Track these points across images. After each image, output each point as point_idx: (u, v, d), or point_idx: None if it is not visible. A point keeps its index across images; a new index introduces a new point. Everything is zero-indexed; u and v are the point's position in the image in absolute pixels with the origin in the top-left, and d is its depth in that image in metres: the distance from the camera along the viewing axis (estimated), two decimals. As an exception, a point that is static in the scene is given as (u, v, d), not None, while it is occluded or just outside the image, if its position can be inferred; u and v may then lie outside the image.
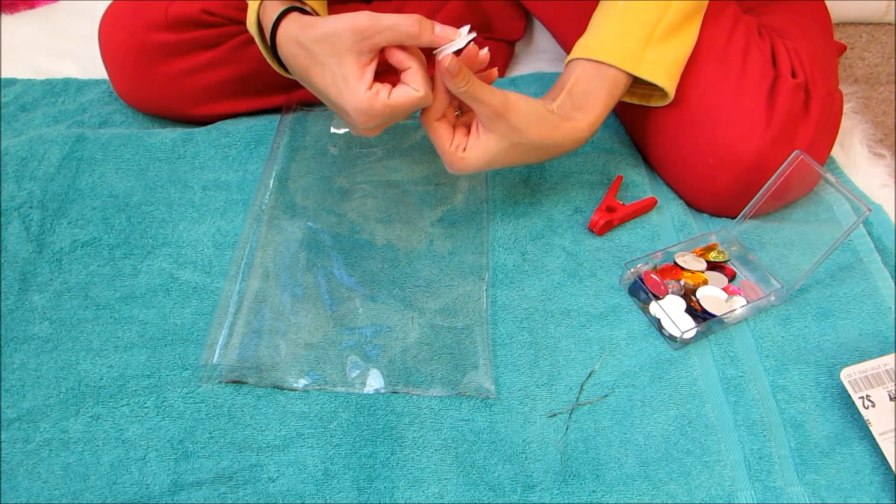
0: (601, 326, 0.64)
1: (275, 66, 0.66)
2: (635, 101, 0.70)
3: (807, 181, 0.71)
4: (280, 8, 0.59)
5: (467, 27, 0.54)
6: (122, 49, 0.78)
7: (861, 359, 0.60)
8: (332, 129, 0.80)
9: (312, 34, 0.56)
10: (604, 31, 0.65)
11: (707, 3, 0.67)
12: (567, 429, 0.58)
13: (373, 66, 0.56)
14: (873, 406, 0.56)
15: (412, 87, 0.56)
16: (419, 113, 0.60)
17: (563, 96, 0.63)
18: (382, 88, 0.56)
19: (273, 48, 0.61)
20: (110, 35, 0.79)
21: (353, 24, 0.54)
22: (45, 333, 0.63)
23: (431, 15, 0.85)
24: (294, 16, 0.59)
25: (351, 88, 0.55)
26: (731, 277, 0.68)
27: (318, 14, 0.61)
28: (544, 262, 0.69)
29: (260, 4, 0.61)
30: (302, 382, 0.60)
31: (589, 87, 0.63)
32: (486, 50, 0.58)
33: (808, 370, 0.61)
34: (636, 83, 0.68)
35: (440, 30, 0.53)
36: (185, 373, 0.61)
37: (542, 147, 0.62)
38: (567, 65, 0.66)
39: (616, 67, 0.63)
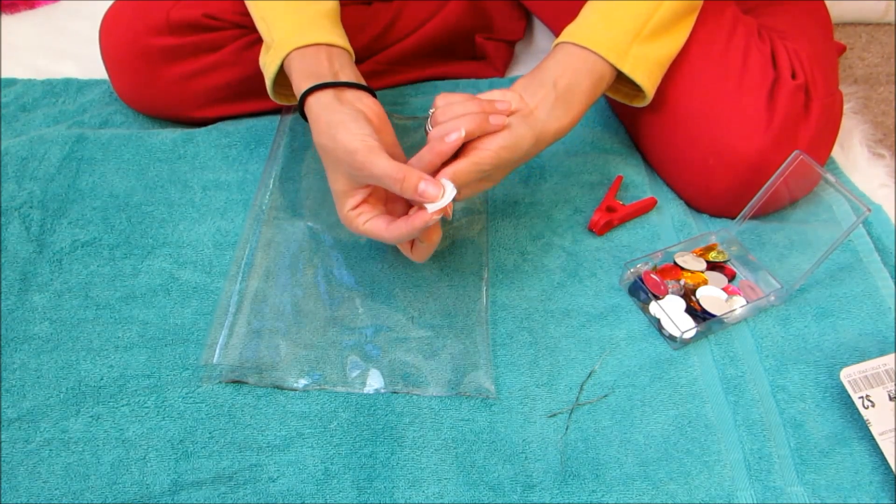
0: (601, 326, 0.64)
1: (275, 99, 0.69)
2: (619, 99, 0.70)
3: (807, 181, 0.71)
4: (307, 83, 0.61)
5: (451, 186, 0.55)
6: (123, 52, 0.78)
7: (861, 359, 0.60)
8: None
9: (322, 132, 0.59)
10: (593, 18, 0.64)
11: (700, 5, 0.67)
12: (567, 429, 0.58)
13: (362, 192, 0.59)
14: (873, 406, 0.56)
15: (382, 230, 0.58)
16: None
17: (546, 91, 0.61)
18: (364, 213, 0.59)
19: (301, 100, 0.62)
20: (111, 38, 0.78)
21: (350, 158, 0.56)
22: (46, 333, 0.63)
23: (432, 15, 0.85)
24: (314, 101, 0.60)
25: (339, 201, 0.60)
26: (731, 277, 0.68)
27: (330, 41, 0.63)
28: (544, 262, 0.69)
29: (284, 62, 0.63)
30: (302, 382, 0.60)
31: (573, 79, 0.62)
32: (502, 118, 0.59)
33: (808, 370, 0.61)
34: (621, 80, 0.68)
35: (423, 187, 0.54)
36: (185, 373, 0.61)
37: (530, 156, 0.62)
38: (554, 48, 0.64)
39: (601, 57, 0.62)
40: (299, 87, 0.61)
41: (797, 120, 0.67)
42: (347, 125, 0.57)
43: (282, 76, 0.66)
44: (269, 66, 0.65)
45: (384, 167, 0.55)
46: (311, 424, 0.58)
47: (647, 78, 0.65)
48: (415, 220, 0.55)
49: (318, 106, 0.60)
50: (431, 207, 0.55)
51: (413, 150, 0.80)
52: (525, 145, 0.59)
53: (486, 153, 0.57)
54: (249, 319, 0.63)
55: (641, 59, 0.64)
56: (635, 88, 0.68)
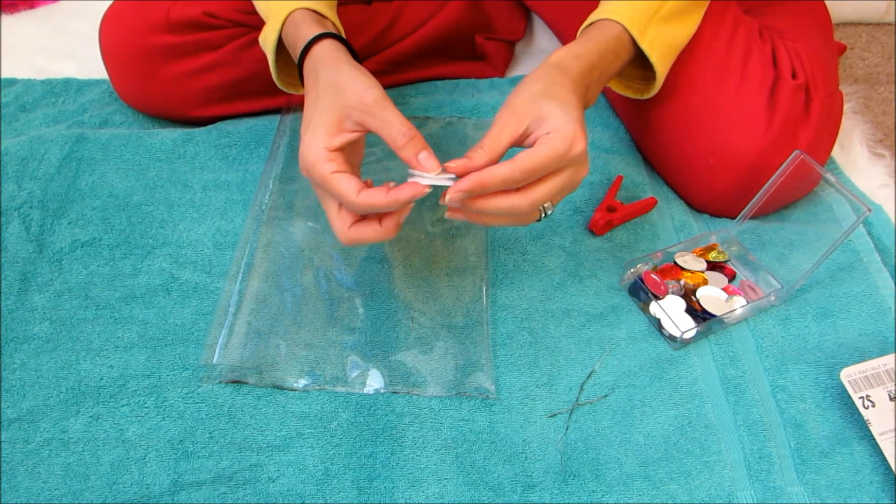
0: (601, 326, 0.64)
1: (279, 83, 0.66)
2: (624, 91, 0.69)
3: (807, 181, 0.71)
4: (316, 30, 0.58)
5: (452, 176, 0.51)
6: (123, 51, 0.78)
7: (861, 359, 0.60)
8: None
9: (329, 73, 0.55)
10: None
11: (708, 2, 0.67)
12: (567, 429, 0.58)
13: (348, 137, 0.54)
14: (873, 406, 0.56)
15: (352, 190, 0.51)
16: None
17: (595, 77, 0.59)
18: (337, 161, 0.53)
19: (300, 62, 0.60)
20: (111, 37, 0.79)
21: (364, 95, 0.52)
22: (45, 333, 0.63)
23: (432, 14, 0.85)
24: (328, 44, 0.57)
25: (314, 133, 0.53)
26: (731, 277, 0.68)
27: (333, 22, 0.61)
28: (544, 261, 0.69)
29: (287, 19, 0.60)
30: (302, 382, 0.60)
31: (591, 56, 0.59)
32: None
33: (808, 370, 0.61)
34: (630, 65, 0.66)
35: (426, 155, 0.51)
36: (185, 373, 0.61)
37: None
38: (596, 25, 0.62)
39: (622, 26, 0.60)
40: (309, 33, 0.58)
41: (797, 120, 0.67)
42: (366, 73, 0.55)
43: (283, 63, 0.65)
44: (269, 33, 0.62)
45: (397, 114, 0.52)
46: (311, 424, 0.58)
47: (661, 60, 0.63)
48: (402, 190, 0.51)
49: (333, 48, 0.57)
50: (426, 179, 0.50)
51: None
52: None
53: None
54: (249, 319, 0.63)
55: (658, 38, 0.62)
56: (642, 79, 0.67)
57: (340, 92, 0.54)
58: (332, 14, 0.62)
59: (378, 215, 0.54)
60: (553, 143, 0.51)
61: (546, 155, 0.51)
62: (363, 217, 0.54)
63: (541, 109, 0.53)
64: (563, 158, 0.51)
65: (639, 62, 0.65)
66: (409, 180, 0.51)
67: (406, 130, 0.51)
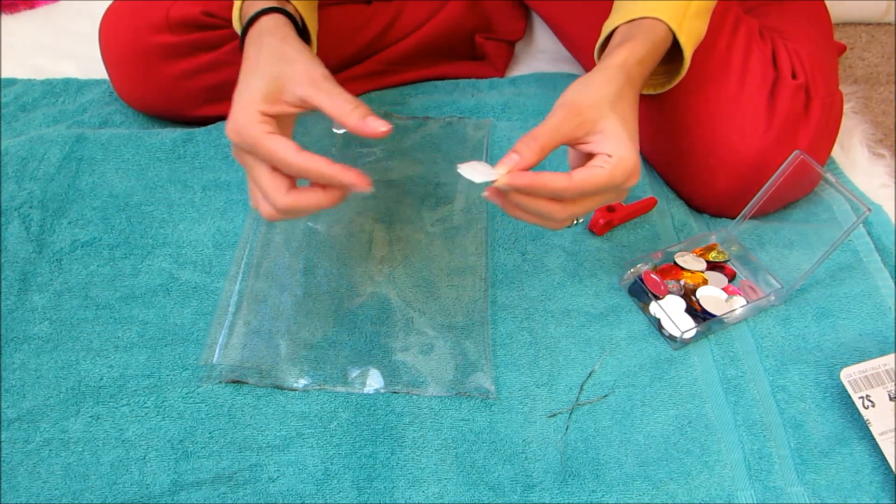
0: (601, 326, 0.64)
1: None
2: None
3: (807, 181, 0.71)
4: (263, 6, 0.56)
5: (500, 172, 0.49)
6: (122, 50, 0.78)
7: (861, 359, 0.60)
8: (333, 130, 0.80)
9: (275, 43, 0.53)
10: None
11: (714, 4, 0.67)
12: (567, 429, 0.58)
13: (285, 109, 0.52)
14: (873, 406, 0.56)
15: (291, 149, 0.49)
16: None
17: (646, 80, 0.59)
18: (271, 125, 0.51)
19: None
20: (111, 36, 0.78)
21: (308, 68, 0.51)
22: (45, 333, 0.63)
23: (432, 14, 0.85)
24: (277, 17, 0.56)
25: (250, 96, 0.51)
26: (731, 277, 0.68)
27: (302, 18, 0.60)
28: (544, 261, 0.69)
29: (242, 3, 0.58)
30: (302, 382, 0.60)
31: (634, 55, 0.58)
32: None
33: (808, 370, 0.61)
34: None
35: (370, 119, 0.49)
36: (185, 373, 0.61)
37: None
38: (644, 24, 0.59)
39: (667, 25, 0.59)
40: (262, 5, 0.56)
41: (797, 120, 0.67)
42: (312, 52, 0.53)
43: None
44: (234, 11, 0.60)
45: (342, 90, 0.50)
46: (311, 424, 0.58)
47: (691, 53, 0.62)
48: (349, 173, 0.49)
49: (282, 22, 0.55)
50: (477, 176, 0.47)
51: (412, 151, 0.80)
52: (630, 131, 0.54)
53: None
54: (249, 319, 0.63)
55: (691, 33, 0.61)
56: (663, 74, 0.67)
57: (286, 62, 0.52)
58: (302, 3, 0.60)
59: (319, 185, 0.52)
60: (613, 172, 0.51)
61: (604, 182, 0.50)
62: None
63: (605, 123, 0.52)
64: (616, 187, 0.51)
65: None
66: (458, 169, 0.49)
67: (353, 99, 0.50)
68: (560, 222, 0.53)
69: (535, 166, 0.51)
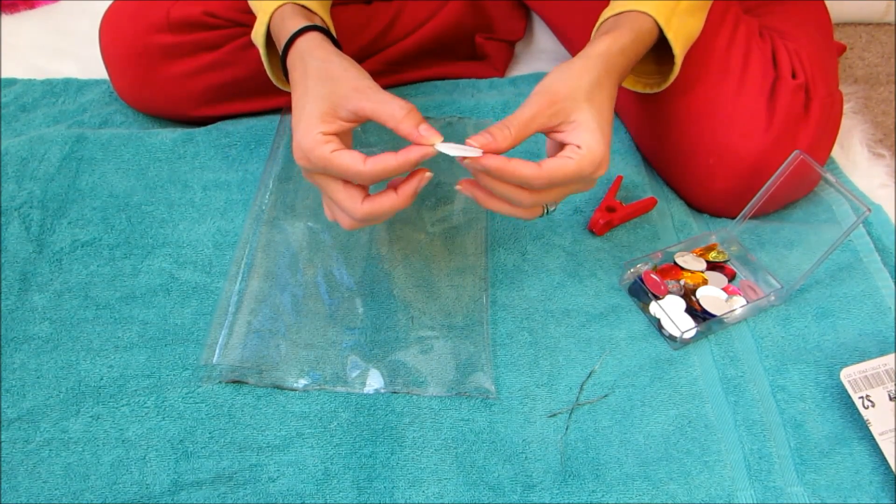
0: (601, 326, 0.64)
1: (273, 78, 0.66)
2: (631, 87, 0.69)
3: (807, 181, 0.71)
4: (302, 23, 0.58)
5: (478, 150, 0.51)
6: (123, 51, 0.78)
7: (861, 359, 0.60)
8: None
9: (318, 64, 0.55)
10: None
11: (711, 2, 0.67)
12: (567, 429, 0.58)
13: (343, 125, 0.53)
14: (873, 406, 0.56)
15: (359, 161, 0.51)
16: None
17: (627, 72, 0.59)
18: (335, 142, 0.52)
19: (284, 56, 0.59)
20: (111, 36, 0.78)
21: (355, 83, 0.53)
22: (45, 333, 0.63)
23: (431, 15, 0.85)
24: (315, 36, 0.58)
25: (309, 122, 0.53)
26: (731, 277, 0.68)
27: (322, 18, 0.61)
28: (544, 261, 0.69)
29: (274, 13, 0.60)
30: (302, 382, 0.60)
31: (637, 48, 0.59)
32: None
33: (808, 370, 0.61)
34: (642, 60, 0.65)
35: (423, 128, 0.51)
36: (185, 373, 0.61)
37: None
38: (627, 17, 0.60)
39: (653, 18, 0.59)
40: (294, 25, 0.57)
41: (797, 120, 0.67)
42: (356, 63, 0.56)
43: (277, 60, 0.64)
44: (258, 27, 0.61)
45: (391, 94, 0.52)
46: (311, 424, 0.58)
47: (681, 52, 0.62)
48: (411, 151, 0.50)
49: (320, 39, 0.57)
50: (453, 150, 0.50)
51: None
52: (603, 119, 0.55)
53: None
54: (249, 319, 0.63)
55: (681, 30, 0.61)
56: (656, 74, 0.67)
57: (333, 80, 0.54)
58: (322, 11, 0.62)
59: (392, 186, 0.54)
60: (581, 162, 0.52)
61: (572, 171, 0.52)
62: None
63: (579, 113, 0.53)
64: (584, 178, 0.53)
65: (652, 56, 0.65)
66: (436, 146, 0.51)
67: (404, 104, 0.51)
68: (529, 210, 0.55)
69: (508, 152, 0.52)
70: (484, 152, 0.51)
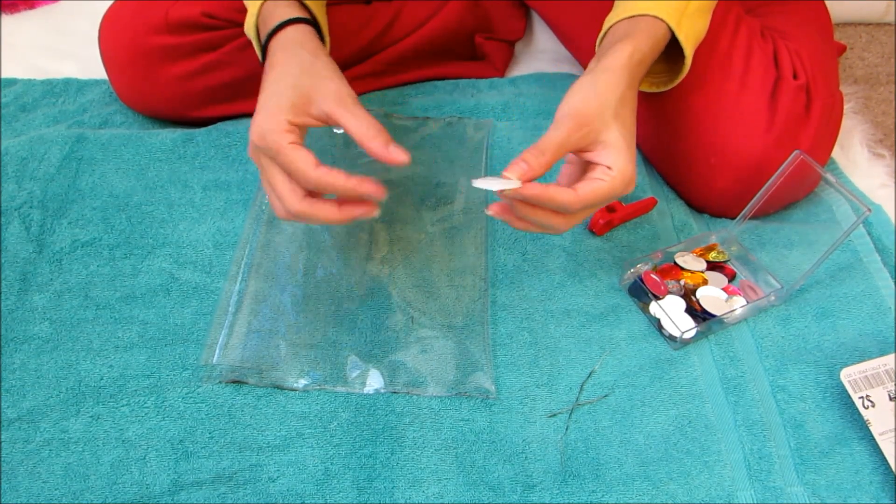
0: (601, 326, 0.64)
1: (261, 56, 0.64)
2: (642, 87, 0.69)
3: (807, 182, 0.71)
4: (295, 13, 0.58)
5: (514, 182, 0.51)
6: (122, 52, 0.78)
7: (861, 359, 0.60)
8: (334, 130, 0.80)
9: (307, 56, 0.55)
10: None
11: (715, 3, 0.67)
12: (567, 429, 0.58)
13: (310, 121, 0.54)
14: (873, 406, 0.56)
15: (310, 162, 0.51)
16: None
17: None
18: (295, 135, 0.53)
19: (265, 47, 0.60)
20: (110, 38, 0.78)
21: (339, 88, 0.53)
22: (45, 333, 0.63)
23: (431, 15, 0.85)
24: (308, 29, 0.58)
25: (280, 107, 0.53)
26: (731, 277, 0.68)
27: (315, 17, 0.61)
28: (544, 261, 0.69)
29: (261, 6, 0.60)
30: (302, 382, 0.60)
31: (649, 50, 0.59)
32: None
33: (808, 370, 0.61)
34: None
35: (392, 148, 0.52)
36: (185, 373, 0.61)
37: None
38: (604, 33, 0.61)
39: (665, 23, 0.59)
40: (286, 13, 0.57)
41: (798, 120, 0.67)
42: (340, 72, 0.56)
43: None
44: (249, 18, 0.61)
45: (366, 114, 0.53)
46: (311, 424, 0.58)
47: (691, 51, 0.62)
48: (365, 183, 0.51)
49: (313, 35, 0.57)
50: (494, 185, 0.50)
51: (412, 151, 0.79)
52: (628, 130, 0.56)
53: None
54: (249, 319, 0.63)
55: (691, 31, 0.61)
56: (665, 73, 0.67)
57: (318, 77, 0.54)
58: (318, 9, 0.62)
59: (339, 201, 0.54)
60: (613, 184, 0.53)
61: (606, 194, 0.53)
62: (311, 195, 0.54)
63: (608, 134, 0.54)
64: (615, 196, 0.54)
65: (662, 56, 0.65)
66: (474, 183, 0.52)
67: (377, 124, 0.52)
68: (561, 231, 0.56)
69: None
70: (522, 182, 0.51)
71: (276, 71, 0.55)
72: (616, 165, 0.53)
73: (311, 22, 0.60)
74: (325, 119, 0.54)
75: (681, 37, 0.60)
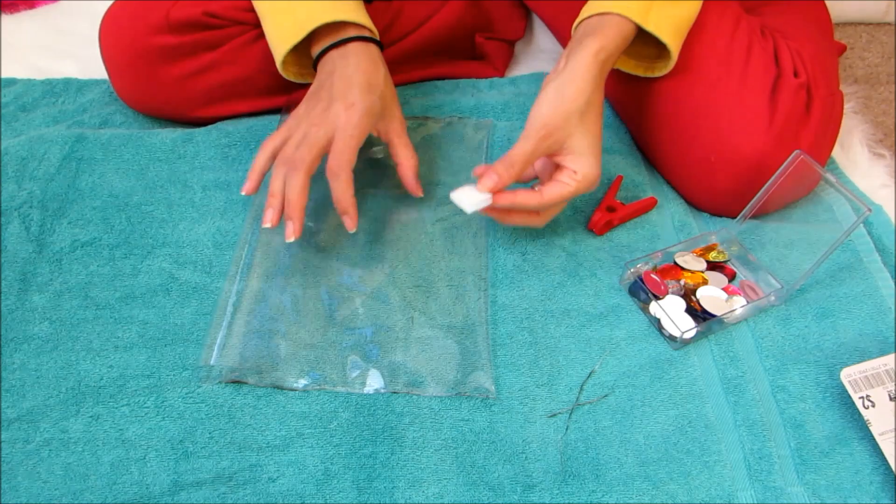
0: (601, 326, 0.64)
1: (281, 69, 0.70)
2: (634, 70, 0.70)
3: (807, 181, 0.71)
4: (355, 34, 0.66)
5: (487, 197, 0.61)
6: (123, 52, 0.78)
7: (861, 359, 0.60)
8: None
9: (386, 76, 0.66)
10: None
11: None
12: (567, 429, 0.58)
13: (366, 129, 0.63)
14: (873, 406, 0.56)
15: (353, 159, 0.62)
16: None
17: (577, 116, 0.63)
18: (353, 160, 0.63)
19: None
20: (111, 37, 0.78)
21: (400, 115, 0.67)
22: (45, 333, 0.63)
23: (431, 14, 0.85)
24: (377, 50, 0.67)
25: (364, 120, 0.62)
26: (731, 277, 0.68)
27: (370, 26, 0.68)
28: (544, 261, 0.69)
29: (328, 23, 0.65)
30: (302, 382, 0.60)
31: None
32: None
33: (808, 370, 0.61)
34: (641, 43, 0.67)
35: (418, 185, 0.68)
36: (185, 373, 0.61)
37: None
38: (576, 28, 0.65)
39: (630, 21, 0.62)
40: (348, 32, 0.65)
41: (799, 119, 0.67)
42: (396, 98, 0.67)
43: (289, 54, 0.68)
44: (289, 36, 0.66)
45: (411, 146, 0.67)
46: (311, 424, 0.58)
47: (673, 39, 0.65)
48: (350, 220, 0.63)
49: (377, 54, 0.66)
50: (469, 206, 0.61)
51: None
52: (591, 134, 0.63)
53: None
54: (249, 319, 0.63)
55: (664, 19, 0.64)
56: (657, 58, 0.68)
57: (394, 98, 0.66)
58: (366, 20, 0.68)
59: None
60: (578, 186, 0.62)
61: (570, 193, 0.62)
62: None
63: (572, 140, 0.61)
64: (579, 194, 0.63)
65: (653, 40, 0.66)
66: (451, 196, 0.62)
67: (414, 155, 0.67)
68: (539, 226, 0.67)
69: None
70: (493, 192, 0.60)
71: (358, 75, 0.63)
72: (581, 170, 0.61)
73: (376, 42, 0.67)
74: (378, 134, 0.65)
75: (650, 28, 0.63)
